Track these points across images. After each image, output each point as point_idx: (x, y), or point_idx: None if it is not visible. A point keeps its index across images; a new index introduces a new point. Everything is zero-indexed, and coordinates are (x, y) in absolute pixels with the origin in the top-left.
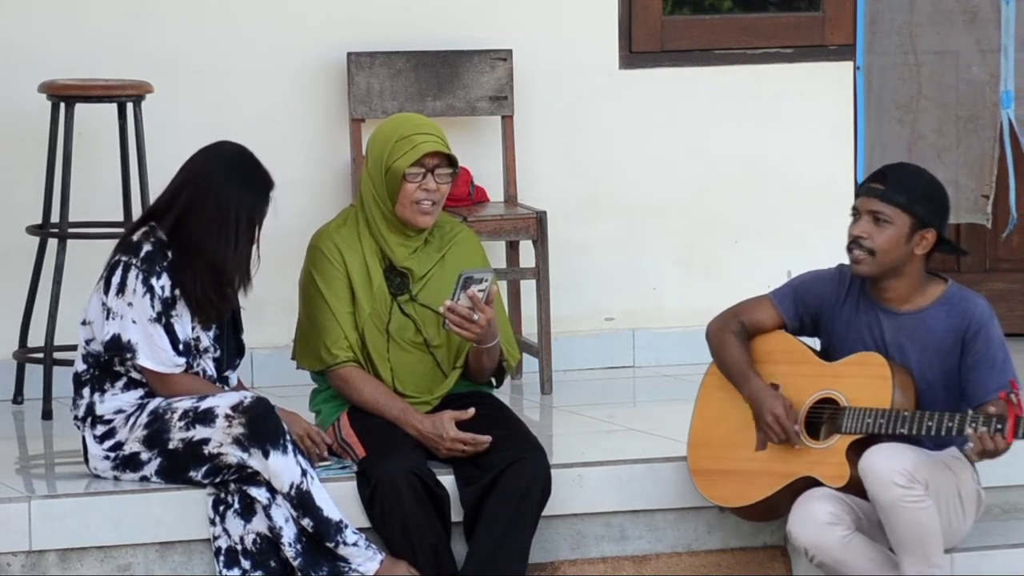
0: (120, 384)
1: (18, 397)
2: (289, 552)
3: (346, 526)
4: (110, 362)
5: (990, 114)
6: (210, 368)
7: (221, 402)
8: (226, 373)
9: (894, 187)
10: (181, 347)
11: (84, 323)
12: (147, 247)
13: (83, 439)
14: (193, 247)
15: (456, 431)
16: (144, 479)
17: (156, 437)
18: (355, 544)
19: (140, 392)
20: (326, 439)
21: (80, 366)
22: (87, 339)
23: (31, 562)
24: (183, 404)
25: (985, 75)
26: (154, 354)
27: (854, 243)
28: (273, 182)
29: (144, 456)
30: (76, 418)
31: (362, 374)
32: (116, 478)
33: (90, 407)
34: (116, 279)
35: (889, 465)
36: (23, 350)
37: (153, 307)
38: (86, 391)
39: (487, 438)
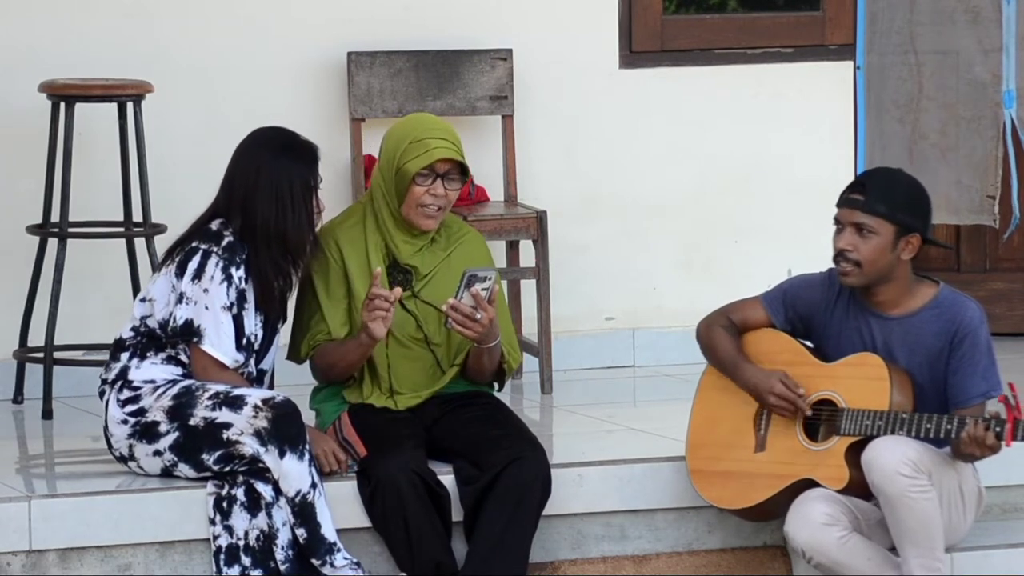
0: (162, 356)
1: (18, 397)
2: (279, 555)
3: (338, 549)
4: (165, 343)
5: (992, 114)
6: (252, 367)
7: (254, 392)
8: (263, 366)
9: (874, 197)
10: (244, 342)
11: (143, 300)
12: (228, 237)
13: (105, 404)
14: (262, 229)
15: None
16: (157, 454)
17: (180, 410)
18: (342, 568)
19: (180, 371)
20: (346, 462)
21: (127, 333)
22: (143, 315)
23: (31, 562)
24: (217, 386)
25: (987, 75)
26: (219, 342)
27: (840, 256)
28: (316, 148)
29: (163, 428)
30: (104, 382)
31: (325, 345)
32: (130, 450)
33: (123, 371)
34: (193, 265)
35: (894, 456)
36: (23, 350)
37: (228, 296)
38: (124, 355)
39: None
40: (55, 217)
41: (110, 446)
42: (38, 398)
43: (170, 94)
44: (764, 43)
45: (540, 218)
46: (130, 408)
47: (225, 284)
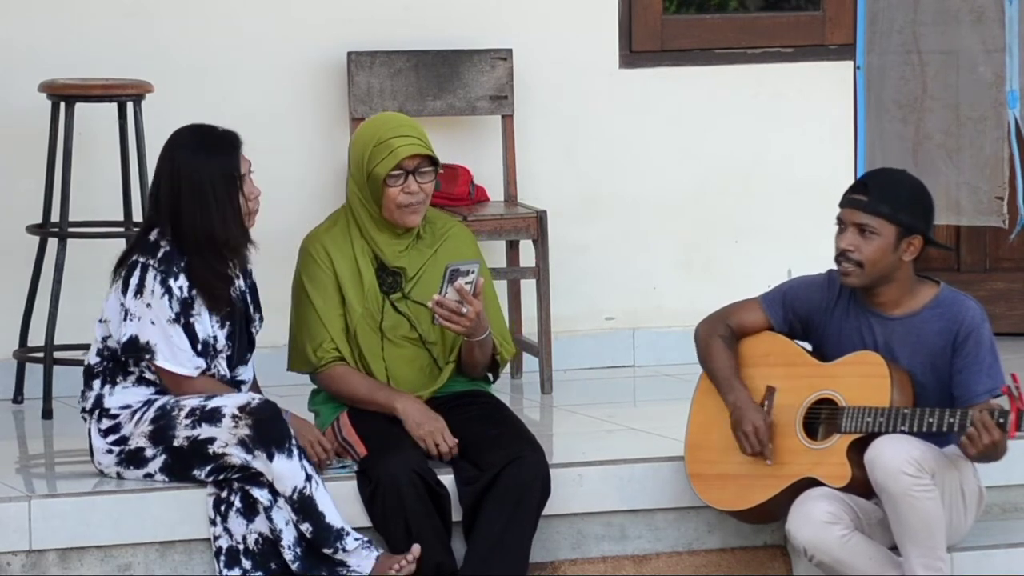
0: (131, 379)
1: (18, 397)
2: (288, 555)
3: (347, 533)
4: (125, 361)
5: (997, 114)
6: (223, 368)
7: (228, 402)
8: (237, 370)
9: (877, 197)
10: (200, 347)
11: (101, 321)
12: (164, 247)
13: (88, 432)
14: (190, 234)
15: (445, 426)
16: (148, 476)
17: (162, 434)
18: (355, 549)
19: (152, 390)
20: (330, 449)
21: (93, 359)
22: (103, 336)
23: (31, 562)
24: (191, 402)
25: (991, 75)
26: (173, 355)
27: (842, 256)
28: (235, 136)
29: (149, 452)
30: (84, 410)
31: (349, 370)
32: (119, 475)
33: (99, 399)
34: (134, 280)
35: (897, 455)
36: (23, 350)
37: (171, 307)
38: (96, 383)
39: (455, 449)
40: (55, 217)
41: (101, 473)
42: (38, 398)
43: (170, 94)
44: (764, 43)
45: (540, 218)
46: (112, 437)
47: (166, 297)
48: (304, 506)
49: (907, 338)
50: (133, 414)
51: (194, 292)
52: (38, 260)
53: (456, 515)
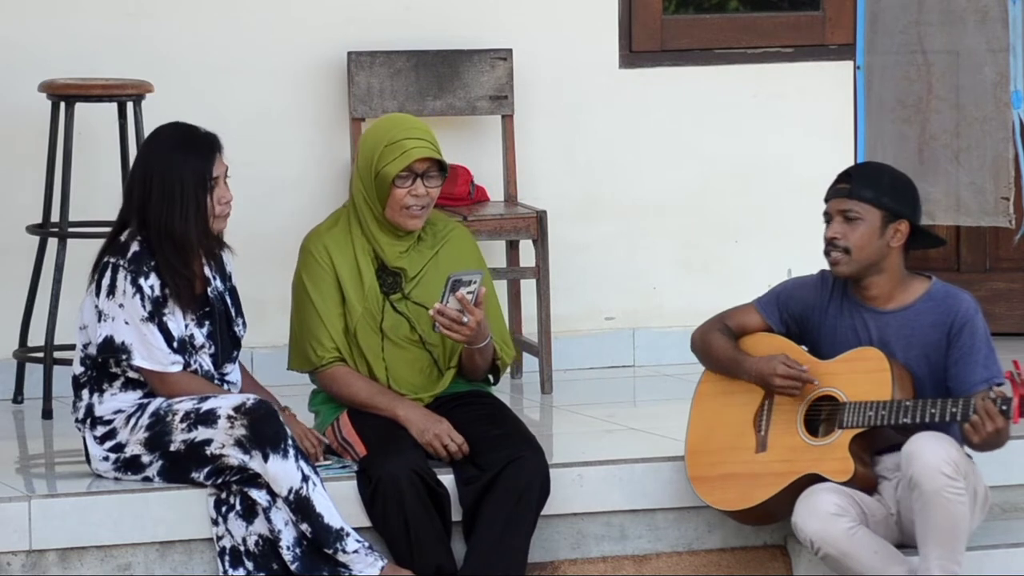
0: (118, 384)
1: (18, 397)
2: (287, 556)
3: (347, 534)
4: (106, 364)
5: (1001, 115)
6: (207, 364)
7: (223, 403)
8: (225, 368)
9: (859, 184)
10: (176, 344)
11: (81, 328)
12: (134, 247)
13: (84, 440)
14: (155, 230)
15: (449, 426)
16: (146, 479)
17: (157, 439)
18: (355, 551)
19: (139, 393)
20: (323, 440)
21: (78, 368)
22: (84, 343)
23: (31, 562)
24: (184, 405)
25: (995, 75)
26: (150, 354)
27: (829, 245)
28: (214, 139)
29: (145, 459)
30: (76, 420)
31: (350, 371)
32: (117, 479)
33: (89, 408)
34: (106, 281)
35: (937, 453)
36: (23, 349)
37: (144, 307)
38: (85, 393)
39: (464, 445)
40: (55, 217)
41: (100, 476)
42: (38, 398)
43: (170, 94)
44: (764, 43)
45: (540, 218)
46: (108, 444)
47: (138, 296)
48: (301, 507)
49: (901, 331)
50: (128, 419)
51: (166, 291)
52: (38, 260)
53: (456, 515)
